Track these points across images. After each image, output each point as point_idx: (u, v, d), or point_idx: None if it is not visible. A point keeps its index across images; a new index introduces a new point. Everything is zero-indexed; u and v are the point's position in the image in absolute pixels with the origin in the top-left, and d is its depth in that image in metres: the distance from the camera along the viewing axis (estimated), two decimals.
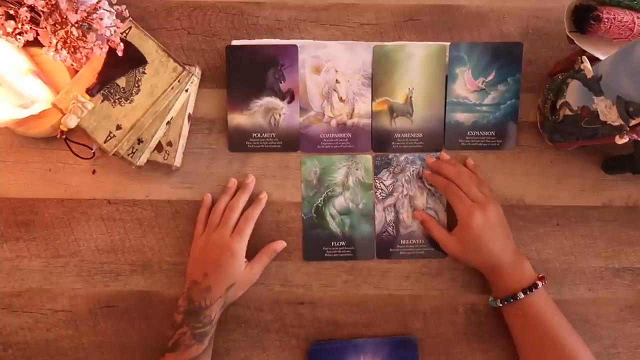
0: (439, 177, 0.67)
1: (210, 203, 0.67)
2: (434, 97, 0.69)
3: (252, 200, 0.67)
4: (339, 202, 0.68)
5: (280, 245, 0.66)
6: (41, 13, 0.54)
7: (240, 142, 0.69)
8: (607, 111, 0.54)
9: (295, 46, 0.69)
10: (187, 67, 0.64)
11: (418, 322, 0.68)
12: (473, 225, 0.62)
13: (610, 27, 0.59)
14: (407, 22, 0.71)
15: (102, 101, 0.62)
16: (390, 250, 0.68)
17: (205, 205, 0.67)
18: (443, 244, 0.65)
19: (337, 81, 0.69)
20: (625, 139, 0.53)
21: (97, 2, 0.57)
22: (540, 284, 0.60)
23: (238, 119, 0.69)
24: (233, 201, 0.65)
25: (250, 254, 0.65)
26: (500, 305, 0.62)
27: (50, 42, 0.56)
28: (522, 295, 0.60)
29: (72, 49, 0.57)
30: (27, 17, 0.54)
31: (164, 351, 0.59)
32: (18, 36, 0.55)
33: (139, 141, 0.63)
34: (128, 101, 0.63)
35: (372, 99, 0.69)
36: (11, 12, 0.54)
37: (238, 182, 0.68)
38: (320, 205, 0.68)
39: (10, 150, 0.68)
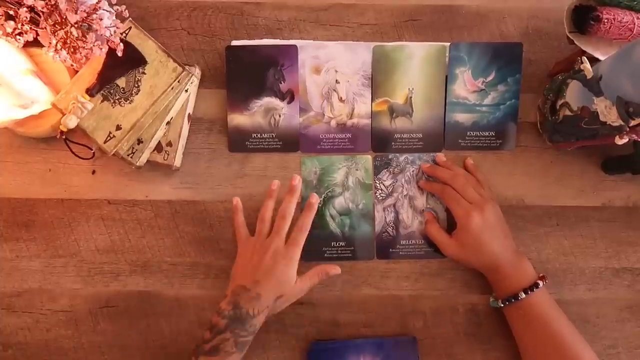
0: (434, 183, 0.67)
1: (241, 207, 0.66)
2: (433, 97, 0.69)
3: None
4: (339, 202, 0.68)
5: (334, 270, 0.63)
6: (41, 13, 0.54)
7: (240, 142, 0.69)
8: (607, 111, 0.54)
9: (295, 46, 0.69)
10: (187, 67, 0.64)
11: (418, 322, 0.68)
12: (471, 227, 0.62)
13: (610, 28, 0.59)
14: (407, 22, 0.71)
15: (102, 101, 0.62)
16: (390, 250, 0.68)
17: (238, 209, 0.65)
18: (442, 248, 0.65)
19: (337, 81, 0.69)
20: (625, 140, 0.53)
21: (97, 2, 0.57)
22: (541, 283, 0.60)
23: (238, 119, 0.69)
24: (284, 207, 0.63)
25: None
26: (502, 305, 0.62)
27: (50, 43, 0.56)
28: (523, 295, 0.60)
29: (72, 49, 0.57)
30: (27, 18, 0.54)
31: (198, 353, 0.55)
32: (18, 36, 0.55)
33: (139, 141, 0.63)
34: (128, 101, 0.63)
35: (372, 99, 0.69)
36: (11, 12, 0.54)
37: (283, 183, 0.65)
38: (320, 205, 0.68)
39: (10, 150, 0.68)
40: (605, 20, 0.58)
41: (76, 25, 0.55)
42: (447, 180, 0.65)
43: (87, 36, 0.56)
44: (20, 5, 0.54)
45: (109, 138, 0.62)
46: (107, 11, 0.60)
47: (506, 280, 0.62)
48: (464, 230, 0.62)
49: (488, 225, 0.62)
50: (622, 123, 0.53)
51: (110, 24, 0.59)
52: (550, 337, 0.59)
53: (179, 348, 0.66)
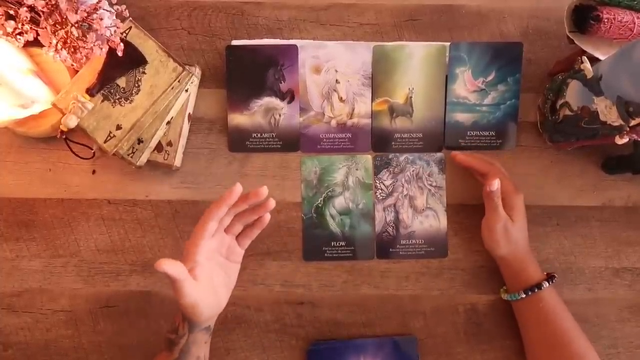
0: (481, 157, 0.67)
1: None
2: (434, 97, 0.69)
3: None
4: (339, 202, 0.68)
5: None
6: (41, 13, 0.54)
7: (240, 142, 0.69)
8: (607, 111, 0.54)
9: (295, 46, 0.69)
10: (187, 67, 0.64)
11: (418, 322, 0.68)
12: (520, 203, 0.63)
13: (610, 27, 0.59)
14: (407, 22, 0.71)
15: (102, 101, 0.62)
16: (390, 250, 0.68)
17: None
18: (495, 219, 0.62)
19: (337, 81, 0.69)
20: (625, 139, 0.54)
21: (97, 2, 0.57)
22: (555, 278, 0.62)
23: (238, 119, 0.69)
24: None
25: (248, 255, 0.64)
26: (524, 296, 0.61)
27: (50, 42, 0.56)
28: (546, 285, 0.60)
29: (72, 49, 0.57)
30: (27, 17, 0.54)
31: None
32: (18, 36, 0.55)
33: (139, 141, 0.63)
34: (128, 101, 0.63)
35: (372, 99, 0.69)
36: (11, 12, 0.54)
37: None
38: (320, 205, 0.68)
39: (10, 150, 0.68)
40: (606, 20, 0.58)
41: (76, 25, 0.55)
42: (489, 163, 0.65)
43: (88, 36, 0.56)
44: (21, 5, 0.54)
45: (109, 138, 0.62)
46: (107, 11, 0.60)
47: (530, 269, 0.62)
48: (514, 207, 0.62)
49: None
50: (622, 123, 0.53)
51: (111, 24, 0.59)
52: (558, 333, 0.59)
53: None
